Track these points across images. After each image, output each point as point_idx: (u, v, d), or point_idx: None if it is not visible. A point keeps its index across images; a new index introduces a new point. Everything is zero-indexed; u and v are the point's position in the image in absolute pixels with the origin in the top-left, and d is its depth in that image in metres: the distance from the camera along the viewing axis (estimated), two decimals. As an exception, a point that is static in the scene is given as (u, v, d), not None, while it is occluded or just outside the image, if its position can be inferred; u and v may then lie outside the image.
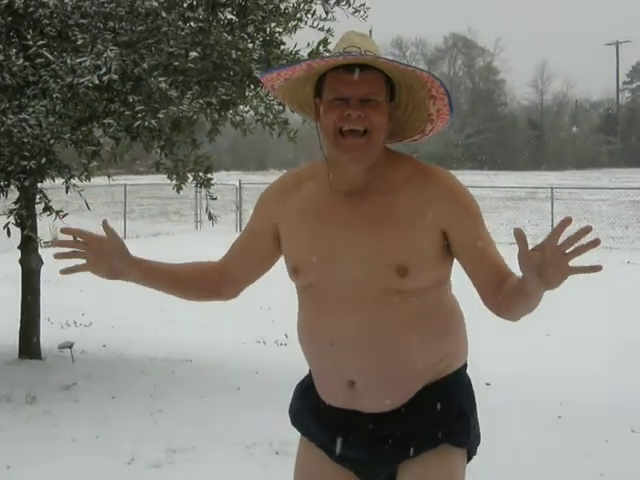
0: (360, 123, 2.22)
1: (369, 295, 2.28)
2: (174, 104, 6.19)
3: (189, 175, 6.95)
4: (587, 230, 1.97)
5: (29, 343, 7.45)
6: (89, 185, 6.99)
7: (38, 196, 6.81)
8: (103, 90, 6.27)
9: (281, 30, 7.10)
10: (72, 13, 6.36)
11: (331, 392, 2.41)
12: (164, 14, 6.27)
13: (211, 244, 18.18)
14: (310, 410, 2.48)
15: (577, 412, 6.07)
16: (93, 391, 6.57)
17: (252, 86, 6.91)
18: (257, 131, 7.74)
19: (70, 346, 7.52)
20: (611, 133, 74.62)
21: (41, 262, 7.54)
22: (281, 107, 7.14)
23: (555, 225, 1.91)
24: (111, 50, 6.06)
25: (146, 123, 6.17)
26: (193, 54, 6.34)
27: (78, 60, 6.04)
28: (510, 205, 26.25)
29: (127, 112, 6.27)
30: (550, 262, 1.98)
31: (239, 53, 6.57)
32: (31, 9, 6.26)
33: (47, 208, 6.77)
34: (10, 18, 6.33)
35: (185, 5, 6.66)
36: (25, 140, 6.00)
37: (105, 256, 2.37)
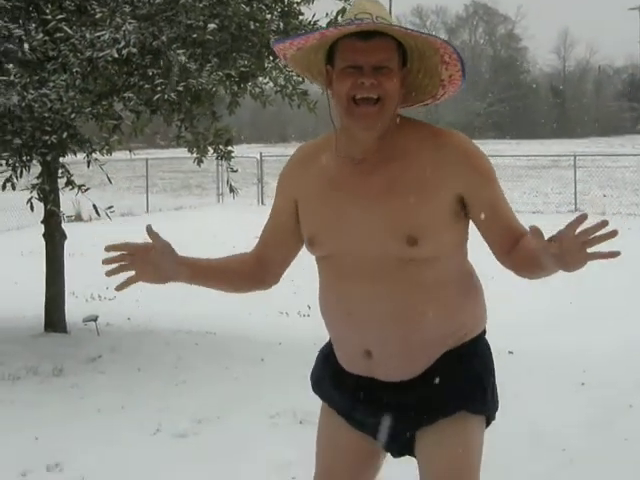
0: (374, 91, 2.21)
1: (383, 265, 2.28)
2: (193, 77, 6.19)
3: (209, 148, 6.96)
4: (604, 224, 1.97)
5: (54, 317, 7.53)
6: (110, 159, 7.01)
7: (60, 171, 6.85)
8: (122, 64, 6.27)
9: (299, 1, 7.07)
10: (90, -13, 6.37)
11: (350, 360, 2.43)
12: (182, -14, 6.25)
13: (233, 217, 18.30)
14: (330, 377, 2.51)
15: (600, 379, 6.06)
16: (118, 363, 6.63)
17: (271, 57, 6.88)
18: (277, 102, 7.73)
19: (95, 319, 7.59)
20: (635, 99, 73.87)
21: (64, 236, 7.59)
22: (300, 78, 7.11)
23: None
24: (130, 23, 6.06)
25: (165, 96, 6.17)
26: (211, 26, 6.33)
27: (97, 34, 6.04)
28: (533, 174, 26.14)
29: (147, 85, 6.27)
30: (568, 251, 2.00)
31: (257, 24, 6.55)
32: (49, -17, 6.27)
33: (69, 182, 6.80)
34: (29, -7, 6.34)
35: (203, -23, 6.64)
36: (46, 115, 6.02)
37: (153, 263, 2.33)
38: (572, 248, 1.99)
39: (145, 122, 6.86)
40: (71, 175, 6.80)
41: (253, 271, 2.54)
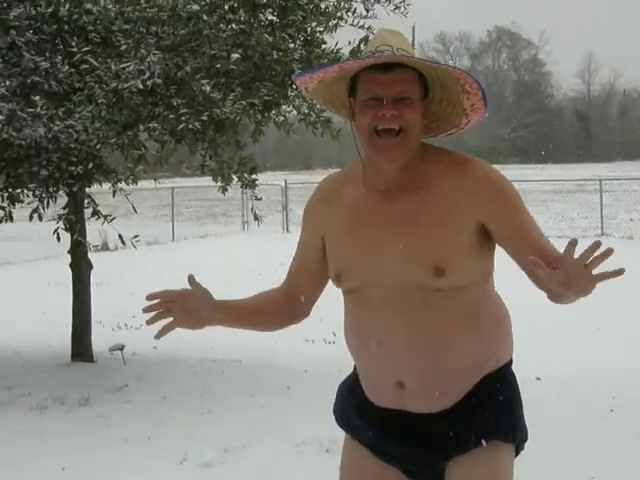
0: (395, 122, 2.22)
1: (411, 295, 2.28)
2: (217, 106, 6.23)
3: (234, 176, 6.99)
4: (597, 245, 1.98)
5: (81, 346, 7.56)
6: (136, 189, 7.06)
7: (86, 201, 6.90)
8: (147, 94, 6.33)
9: (322, 29, 7.12)
10: (115, 19, 6.44)
11: (380, 394, 2.41)
12: (205, 17, 6.32)
13: (258, 244, 18.33)
14: (355, 409, 2.49)
15: (630, 404, 5.99)
16: (144, 392, 6.64)
17: (294, 86, 6.92)
18: (301, 131, 7.77)
19: (121, 348, 7.61)
20: (661, 122, 73.44)
21: (90, 266, 7.65)
22: (323, 106, 7.14)
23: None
24: (154, 54, 6.12)
25: (190, 126, 6.22)
26: (235, 56, 6.38)
27: (122, 65, 6.11)
28: (558, 198, 26.00)
29: (171, 115, 6.32)
30: (573, 277, 2.00)
31: (280, 53, 6.60)
32: (75, 16, 6.34)
33: (95, 212, 6.85)
34: (55, 26, 6.42)
35: (226, 7, 6.71)
36: (72, 146, 6.08)
37: (191, 309, 2.34)
38: (576, 273, 1.99)
39: (170, 152, 6.91)
40: (97, 205, 6.85)
41: (284, 307, 2.54)
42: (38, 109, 5.94)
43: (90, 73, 6.25)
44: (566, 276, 2.00)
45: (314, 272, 2.50)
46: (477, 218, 2.28)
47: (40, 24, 6.36)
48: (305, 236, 2.53)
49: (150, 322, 2.35)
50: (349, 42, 7.03)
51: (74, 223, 6.89)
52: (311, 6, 6.89)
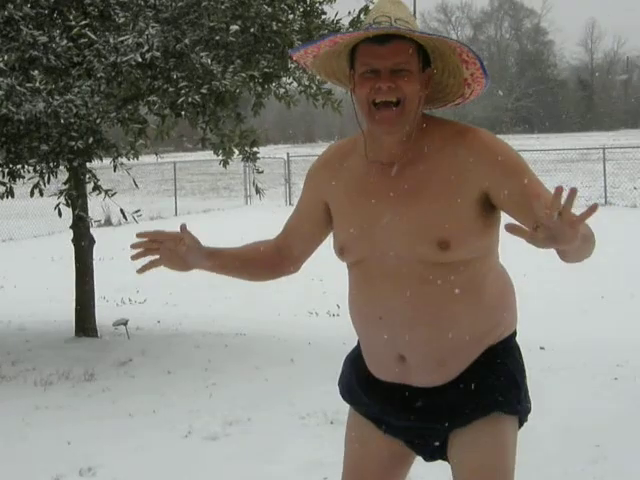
0: (392, 94, 2.20)
1: (414, 269, 2.26)
2: (217, 79, 6.19)
3: (235, 150, 6.96)
4: (558, 190, 1.88)
5: (85, 321, 7.58)
6: (138, 164, 7.05)
7: (87, 176, 6.88)
8: (146, 68, 6.28)
9: (321, 0, 7.05)
10: (113, -8, 6.39)
11: (382, 367, 2.40)
12: (204, -12, 6.26)
13: (261, 218, 18.34)
14: (359, 382, 2.48)
15: (634, 373, 5.99)
16: (149, 367, 6.66)
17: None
18: (302, 103, 7.72)
19: (125, 323, 7.62)
20: (664, 90, 73.08)
21: (93, 241, 7.64)
22: (324, 77, 7.10)
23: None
24: (152, 27, 6.07)
25: (190, 99, 6.18)
26: (234, 27, 6.33)
27: (120, 39, 6.06)
28: (562, 168, 25.93)
29: (171, 89, 6.28)
30: (554, 229, 1.90)
31: (280, 25, 6.54)
32: (73, -10, 6.30)
33: (96, 187, 6.83)
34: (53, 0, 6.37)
35: (224, -22, 6.64)
36: (72, 120, 6.05)
37: (179, 254, 2.40)
38: (554, 225, 1.89)
39: (170, 125, 6.87)
40: (98, 180, 6.83)
41: (275, 262, 2.57)
42: (37, 84, 5.91)
43: (89, 47, 6.21)
44: (547, 232, 1.91)
45: (307, 234, 2.52)
46: (480, 186, 2.24)
47: (37, -2, 6.31)
48: (306, 196, 2.53)
49: (135, 257, 2.41)
50: (349, 12, 6.97)
51: (75, 198, 6.87)
52: (310, -24, 6.83)
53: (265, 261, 2.56)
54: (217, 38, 6.40)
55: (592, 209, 1.91)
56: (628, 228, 14.38)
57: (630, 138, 43.60)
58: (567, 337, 7.08)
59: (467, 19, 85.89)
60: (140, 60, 6.02)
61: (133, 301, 9.63)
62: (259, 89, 6.88)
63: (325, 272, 9.37)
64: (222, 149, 6.91)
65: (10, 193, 6.79)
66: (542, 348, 6.68)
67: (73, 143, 6.29)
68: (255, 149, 7.03)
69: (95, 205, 8.97)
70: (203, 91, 6.22)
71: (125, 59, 6.02)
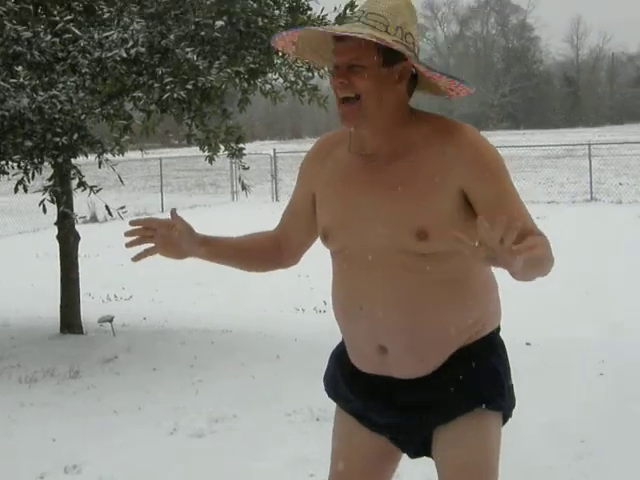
0: (346, 90, 2.24)
1: (395, 259, 2.27)
2: (202, 74, 6.17)
3: (221, 146, 6.95)
4: (504, 221, 1.93)
5: (70, 318, 7.54)
6: (124, 160, 7.01)
7: (72, 172, 6.85)
8: (131, 63, 6.26)
9: (307, -5, 7.04)
10: (98, -13, 6.36)
11: (363, 358, 2.40)
12: (189, -16, 6.24)
13: (248, 214, 18.30)
14: (343, 377, 2.48)
15: (619, 368, 6.02)
16: (134, 363, 6.63)
17: (280, 53, 6.86)
18: (288, 99, 7.71)
19: (110, 320, 7.59)
20: (650, 86, 73.36)
21: (78, 237, 7.61)
22: (310, 74, 7.09)
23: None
24: (137, 23, 6.05)
25: (175, 95, 6.15)
26: (219, 23, 6.31)
27: (105, 34, 6.04)
28: (548, 164, 26.01)
29: (156, 84, 6.26)
30: (497, 252, 1.94)
31: (265, 20, 6.53)
32: (57, -15, 6.26)
33: (81, 184, 6.80)
34: (37, -5, 6.34)
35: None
36: (56, 116, 6.02)
37: (173, 240, 2.42)
38: (496, 249, 1.94)
39: (156, 121, 6.86)
40: (83, 176, 6.79)
41: (273, 252, 2.58)
42: (21, 79, 5.88)
43: (73, 42, 6.18)
44: (488, 253, 1.95)
45: (304, 223, 2.52)
46: (459, 186, 2.25)
47: (21, -7, 6.28)
48: (298, 188, 2.55)
49: (129, 245, 2.42)
50: (335, 8, 6.96)
51: (60, 195, 6.85)
52: (296, -28, 6.82)
53: (263, 251, 2.57)
54: (202, 34, 6.38)
55: (531, 247, 2.00)
56: (614, 224, 14.44)
57: (615, 134, 43.76)
58: (552, 333, 7.09)
59: (453, 15, 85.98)
60: (125, 56, 6.00)
61: (119, 298, 9.59)
62: (245, 85, 6.87)
63: (312, 268, 9.37)
64: (208, 145, 6.89)
65: (-6, 189, 6.76)
66: (528, 344, 6.70)
67: (58, 139, 6.26)
68: (241, 145, 7.02)
69: (80, 202, 8.92)
70: (188, 87, 6.20)
71: (110, 55, 5.99)
